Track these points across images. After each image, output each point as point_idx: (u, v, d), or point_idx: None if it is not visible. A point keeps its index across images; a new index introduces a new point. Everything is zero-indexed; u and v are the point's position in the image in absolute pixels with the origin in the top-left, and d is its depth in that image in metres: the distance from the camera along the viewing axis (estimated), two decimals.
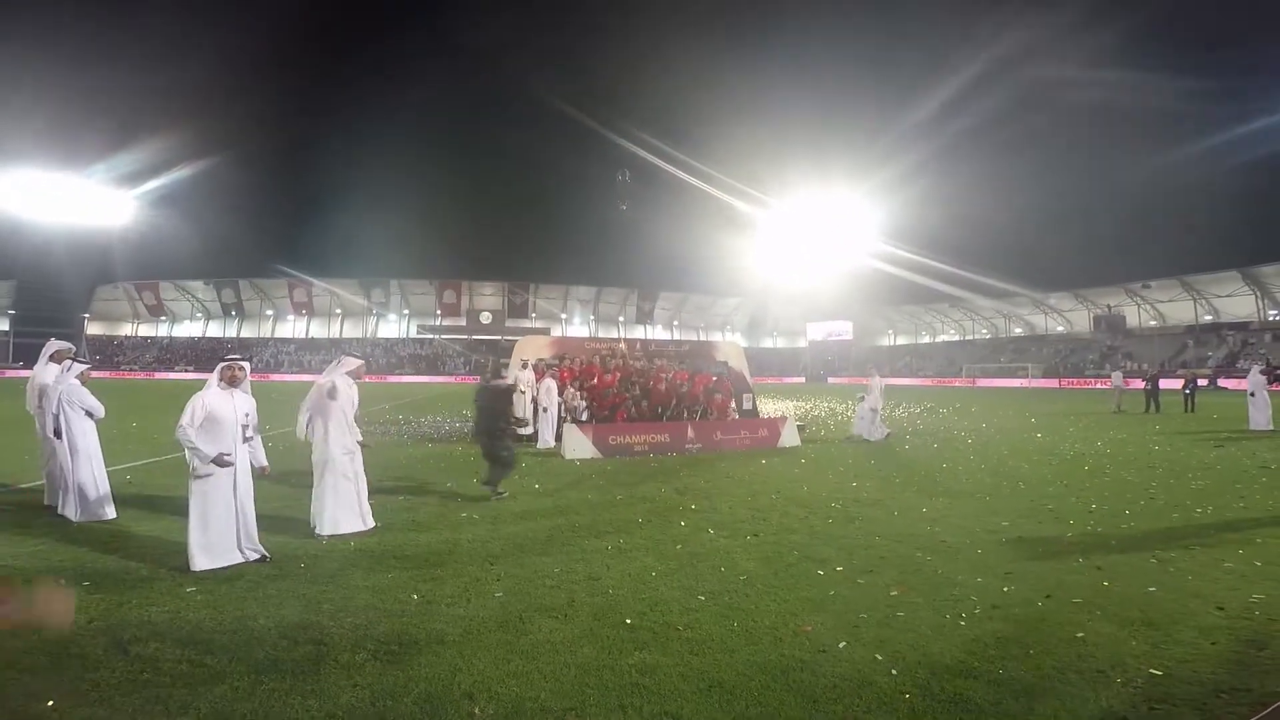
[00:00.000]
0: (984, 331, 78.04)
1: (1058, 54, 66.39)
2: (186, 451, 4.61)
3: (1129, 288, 62.21)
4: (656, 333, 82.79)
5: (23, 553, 4.96)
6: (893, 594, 4.22)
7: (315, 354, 71.84)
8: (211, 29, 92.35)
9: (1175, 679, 3.05)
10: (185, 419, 4.54)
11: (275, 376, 63.91)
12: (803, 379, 74.56)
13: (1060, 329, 71.00)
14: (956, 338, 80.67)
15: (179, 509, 5.11)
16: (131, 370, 66.09)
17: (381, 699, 2.84)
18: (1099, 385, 47.03)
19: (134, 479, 7.85)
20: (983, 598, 4.12)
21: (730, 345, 18.25)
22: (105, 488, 6.13)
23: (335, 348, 73.79)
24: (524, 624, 3.70)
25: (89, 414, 6.17)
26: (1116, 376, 23.78)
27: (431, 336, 76.67)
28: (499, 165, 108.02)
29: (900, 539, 5.61)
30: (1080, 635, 3.53)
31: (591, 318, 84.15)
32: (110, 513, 6.06)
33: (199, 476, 4.62)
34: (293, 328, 79.71)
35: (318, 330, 79.38)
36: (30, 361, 7.05)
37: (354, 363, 6.16)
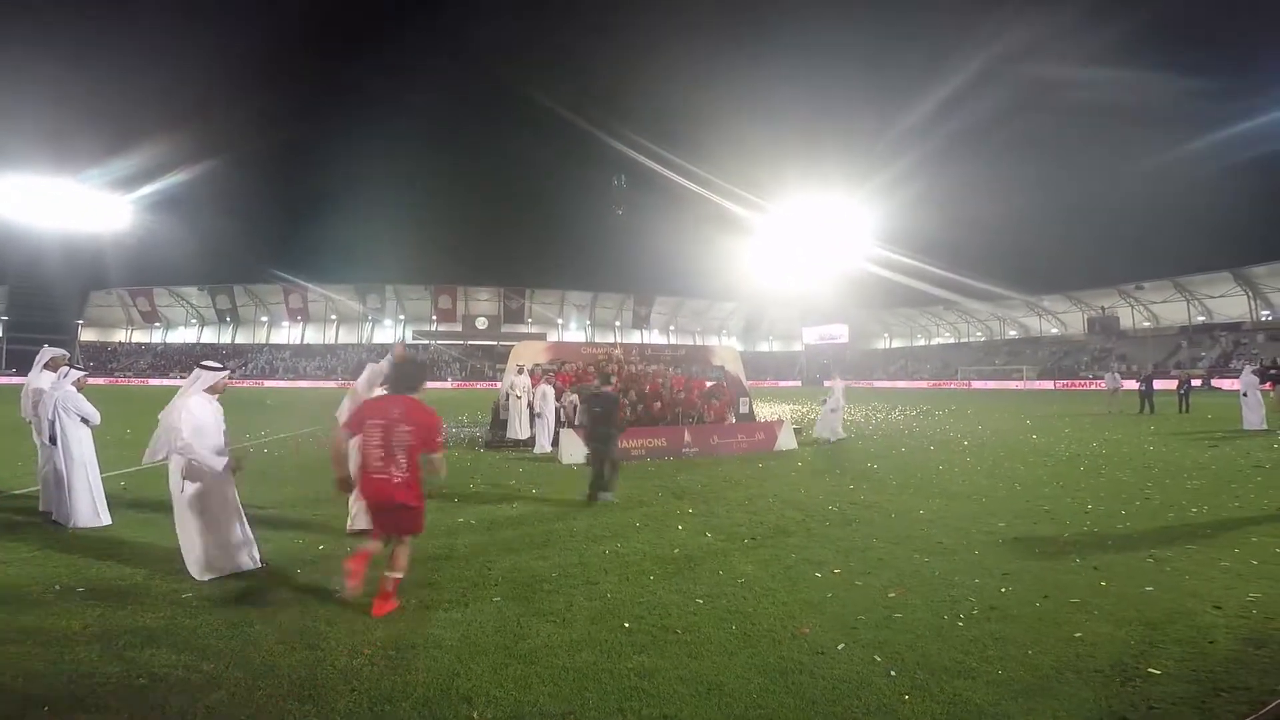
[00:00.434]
0: (979, 334, 78.39)
1: (1049, 58, 66.96)
2: (176, 462, 4.53)
3: (1122, 289, 62.59)
4: (653, 337, 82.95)
5: (17, 559, 4.92)
6: (890, 596, 4.22)
7: (310, 360, 71.71)
8: (206, 33, 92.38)
9: (1174, 678, 3.05)
10: (186, 433, 4.43)
11: (270, 382, 63.75)
12: (799, 382, 74.66)
13: (1055, 331, 71.34)
14: (951, 340, 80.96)
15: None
16: (125, 377, 65.80)
17: (379, 704, 2.83)
18: (1095, 386, 47.14)
19: (129, 485, 7.81)
20: (980, 599, 4.13)
21: (726, 349, 18.26)
22: (100, 494, 6.09)
23: (330, 353, 73.72)
24: (522, 628, 3.69)
25: (85, 420, 6.14)
26: (1111, 378, 23.87)
27: (427, 342, 76.60)
28: (495, 170, 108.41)
29: (897, 541, 5.62)
30: (1078, 635, 3.54)
31: (588, 322, 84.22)
32: (105, 519, 6.02)
33: (193, 485, 4.55)
34: (288, 334, 79.59)
35: (313, 336, 79.25)
36: (23, 368, 6.96)
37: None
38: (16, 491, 7.48)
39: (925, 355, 77.75)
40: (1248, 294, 56.46)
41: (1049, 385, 56.22)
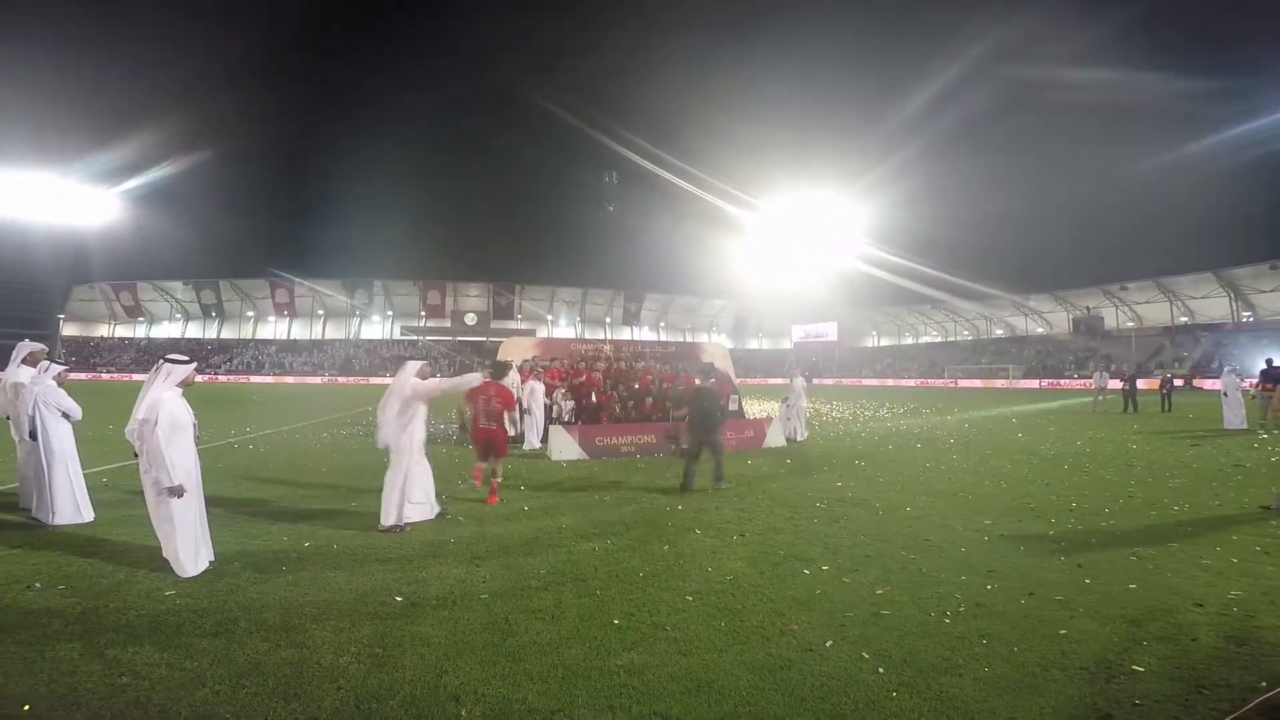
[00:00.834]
0: (965, 333, 78.88)
1: (1036, 59, 67.26)
2: (148, 459, 4.45)
3: (1107, 289, 63.23)
4: (643, 334, 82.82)
5: None
6: (878, 593, 4.24)
7: (297, 356, 71.02)
8: (193, 26, 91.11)
9: (1157, 675, 3.09)
10: (164, 427, 4.38)
11: (256, 378, 63.13)
12: (788, 380, 74.73)
13: (1040, 330, 71.97)
14: (939, 339, 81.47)
15: None
16: (109, 372, 64.93)
17: (366, 702, 2.81)
18: (1084, 385, 47.57)
19: (111, 482, 7.70)
20: (966, 596, 4.16)
21: (716, 346, 18.31)
22: (82, 490, 6.02)
23: (317, 349, 73.11)
24: (511, 625, 3.67)
25: (66, 416, 6.06)
26: (1099, 377, 24.09)
27: (416, 338, 76.06)
28: (485, 165, 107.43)
29: (885, 538, 5.65)
30: (1063, 632, 3.57)
31: (578, 319, 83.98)
32: (87, 515, 5.94)
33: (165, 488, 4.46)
34: (274, 329, 78.65)
35: (300, 331, 78.41)
36: (3, 363, 6.84)
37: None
38: None
39: (913, 354, 78.19)
40: (1230, 295, 57.23)
41: (1035, 384, 56.72)
